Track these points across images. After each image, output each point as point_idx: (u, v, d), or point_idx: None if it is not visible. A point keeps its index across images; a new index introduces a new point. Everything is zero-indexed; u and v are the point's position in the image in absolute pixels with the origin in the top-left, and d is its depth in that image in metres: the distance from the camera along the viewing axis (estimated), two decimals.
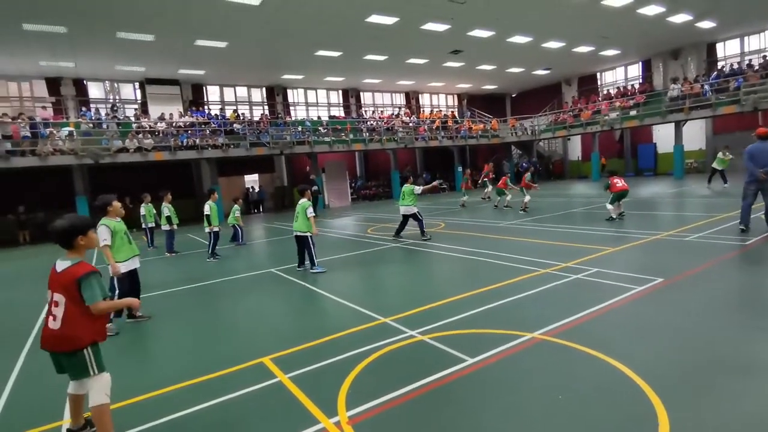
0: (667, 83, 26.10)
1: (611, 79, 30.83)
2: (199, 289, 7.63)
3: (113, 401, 3.52)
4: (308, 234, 8.03)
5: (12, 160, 16.06)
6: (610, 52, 25.22)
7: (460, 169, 29.31)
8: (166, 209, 11.68)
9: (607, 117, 25.89)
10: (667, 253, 7.30)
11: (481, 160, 33.13)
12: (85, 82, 21.93)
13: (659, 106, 23.74)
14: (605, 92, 30.23)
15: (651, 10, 18.34)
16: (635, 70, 29.19)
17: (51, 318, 2.83)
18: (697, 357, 3.64)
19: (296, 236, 8.17)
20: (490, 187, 19.24)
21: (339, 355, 4.21)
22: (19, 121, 17.30)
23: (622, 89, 28.98)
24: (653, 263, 6.68)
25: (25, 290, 8.77)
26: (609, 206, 11.04)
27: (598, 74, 31.15)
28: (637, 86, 28.02)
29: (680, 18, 19.78)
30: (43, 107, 20.71)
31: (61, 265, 2.87)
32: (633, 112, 25.08)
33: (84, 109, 21.22)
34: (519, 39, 20.95)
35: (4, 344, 5.44)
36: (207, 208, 10.32)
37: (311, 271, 8.05)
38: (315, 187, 19.73)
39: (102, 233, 5.33)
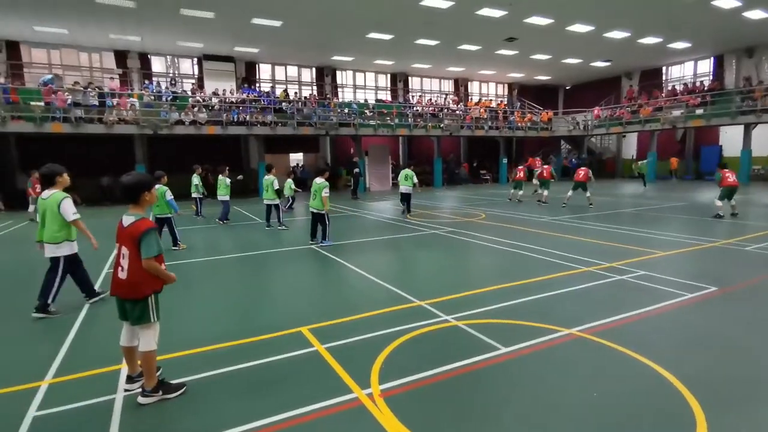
0: (739, 82, 24.13)
1: (678, 74, 28.82)
2: (245, 259, 7.99)
3: (167, 352, 3.82)
4: (324, 212, 8.60)
5: (81, 126, 17.24)
6: (680, 45, 23.52)
7: (505, 160, 28.65)
8: (195, 179, 13.24)
9: (669, 115, 24.33)
10: (723, 262, 6.89)
11: (528, 153, 32.20)
12: (149, 56, 23.05)
13: (729, 105, 22.03)
14: (670, 88, 28.33)
15: (726, 3, 16.94)
16: (705, 66, 27.13)
17: (119, 269, 3.11)
18: (748, 370, 3.47)
19: (313, 212, 8.79)
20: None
21: (374, 331, 4.32)
22: (89, 90, 18.51)
23: (689, 86, 27.06)
24: (707, 271, 6.33)
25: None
26: (718, 202, 11.07)
27: (664, 68, 29.18)
28: (706, 83, 26.06)
29: (756, 14, 18.16)
30: (111, 78, 22.01)
31: (127, 220, 3.13)
32: (699, 111, 23.42)
33: (147, 81, 22.36)
34: (579, 28, 19.95)
35: (70, 291, 5.95)
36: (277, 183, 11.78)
37: (321, 244, 8.68)
38: (357, 170, 19.95)
39: (70, 206, 4.93)
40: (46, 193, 4.98)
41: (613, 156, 32.05)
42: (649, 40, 22.35)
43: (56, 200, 4.91)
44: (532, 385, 3.31)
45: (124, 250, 3.08)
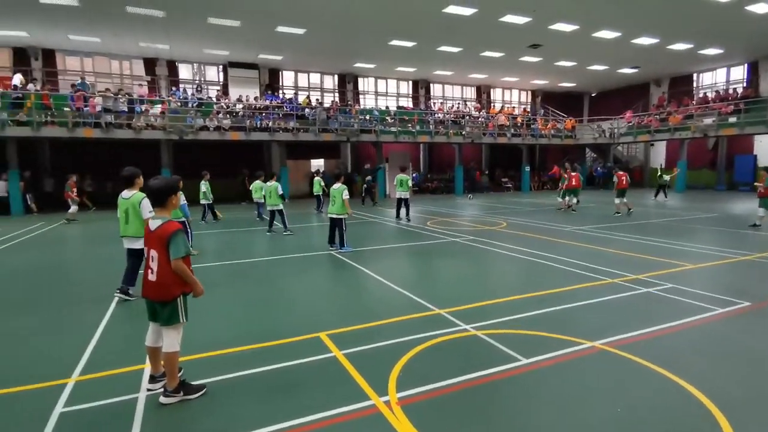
0: None
1: (710, 81, 27.95)
2: (263, 263, 8.09)
3: (187, 353, 3.88)
4: (343, 217, 8.68)
5: (111, 131, 17.85)
6: (711, 51, 22.84)
7: (528, 168, 28.29)
8: (203, 186, 13.39)
9: (701, 123, 23.58)
10: (756, 276, 6.60)
11: (551, 161, 31.71)
12: (176, 63, 23.73)
13: (764, 113, 21.23)
14: (701, 95, 27.50)
15: (761, 8, 16.39)
16: (739, 73, 26.24)
17: (149, 271, 3.18)
18: None
19: (331, 218, 8.83)
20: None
21: (392, 339, 4.30)
22: (119, 96, 19.17)
23: (721, 93, 26.20)
24: (740, 285, 6.08)
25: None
26: (762, 211, 10.55)
27: (695, 75, 28.35)
28: (740, 91, 25.17)
29: None
30: (140, 85, 22.74)
31: (154, 223, 3.20)
32: (733, 119, 22.63)
33: (174, 88, 23.02)
34: (606, 34, 19.59)
35: (94, 299, 6.13)
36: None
37: (341, 250, 8.72)
38: (369, 177, 20.09)
39: (148, 205, 5.30)
40: (127, 193, 5.53)
41: (640, 165, 31.23)
42: (679, 47, 21.78)
43: (137, 199, 5.46)
44: (553, 398, 3.23)
45: (153, 253, 3.15)
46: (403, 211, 13.47)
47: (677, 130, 24.59)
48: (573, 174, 15.76)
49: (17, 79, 18.05)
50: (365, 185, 20.20)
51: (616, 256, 8.00)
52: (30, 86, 18.04)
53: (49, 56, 21.19)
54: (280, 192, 11.04)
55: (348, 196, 8.67)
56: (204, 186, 13.40)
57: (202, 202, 13.60)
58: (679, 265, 7.16)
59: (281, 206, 11.05)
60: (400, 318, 4.91)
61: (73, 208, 14.42)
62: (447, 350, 4.07)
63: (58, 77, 21.47)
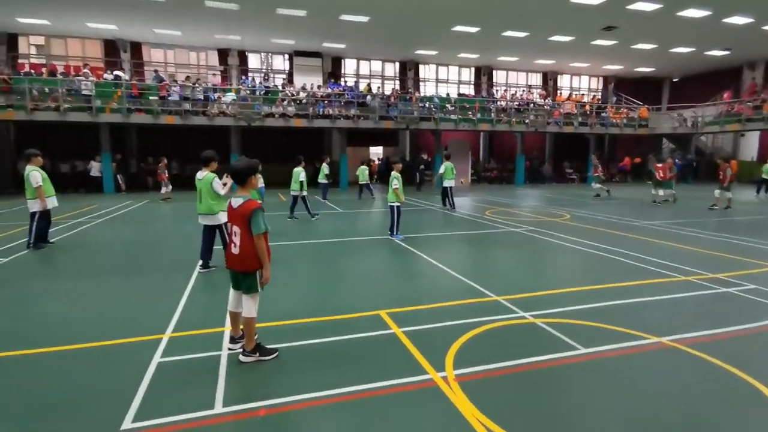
0: None
1: None
2: (324, 245, 8.49)
3: (260, 321, 4.25)
4: (395, 204, 8.71)
5: (189, 118, 19.25)
6: None
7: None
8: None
9: None
10: None
11: (622, 152, 29.73)
12: (246, 53, 24.94)
13: None
14: None
15: None
16: None
17: (233, 245, 3.53)
18: None
19: (389, 206, 8.95)
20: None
21: (450, 320, 4.42)
22: (196, 85, 20.55)
23: None
24: None
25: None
26: None
27: None
28: None
29: None
30: (213, 74, 24.19)
31: (236, 201, 3.53)
32: None
33: (244, 77, 24.24)
34: (693, 12, 17.92)
35: (180, 268, 6.79)
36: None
37: (391, 237, 8.78)
38: (422, 167, 20.16)
39: (219, 184, 6.06)
40: (200, 174, 6.09)
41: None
42: None
43: (209, 180, 6.01)
44: (613, 389, 3.20)
45: (236, 229, 3.48)
46: (448, 200, 13.44)
47: None
48: (659, 165, 14.74)
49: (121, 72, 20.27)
50: (418, 173, 20.41)
51: (692, 253, 7.50)
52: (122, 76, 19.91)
53: (135, 48, 23.13)
54: (302, 179, 10.99)
55: (398, 186, 8.58)
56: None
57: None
58: (765, 266, 6.59)
59: (302, 192, 11.00)
60: (458, 302, 5.01)
61: (165, 189, 15.93)
62: (504, 335, 4.12)
63: (144, 68, 23.39)
